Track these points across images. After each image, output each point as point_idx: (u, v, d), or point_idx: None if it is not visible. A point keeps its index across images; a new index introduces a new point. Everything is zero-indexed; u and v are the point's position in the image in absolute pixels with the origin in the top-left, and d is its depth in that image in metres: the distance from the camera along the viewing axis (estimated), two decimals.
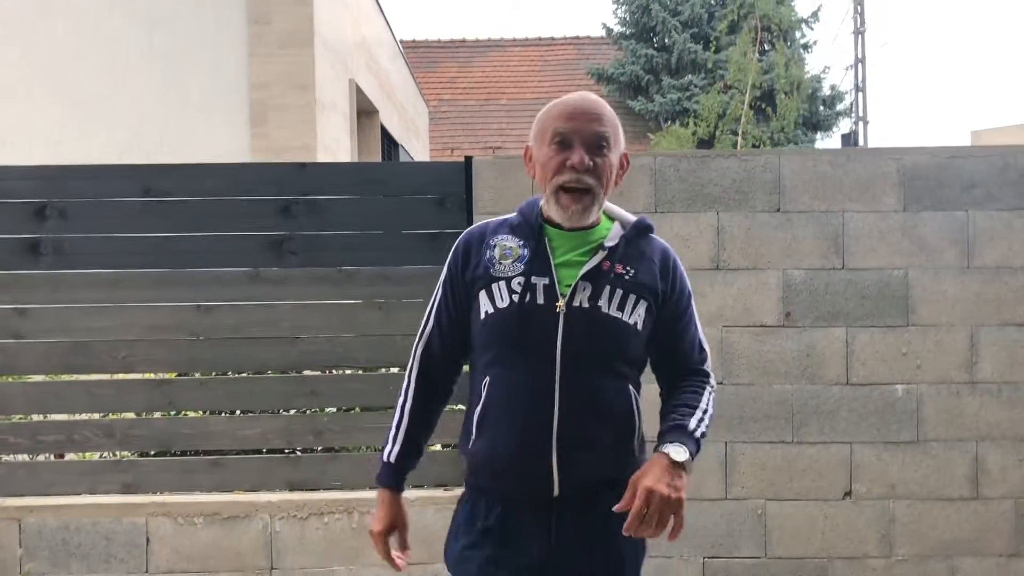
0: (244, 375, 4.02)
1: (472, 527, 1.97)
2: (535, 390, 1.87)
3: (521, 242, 1.92)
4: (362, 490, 3.85)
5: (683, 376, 2.00)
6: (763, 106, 14.68)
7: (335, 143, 8.34)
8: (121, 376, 3.96)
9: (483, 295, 1.91)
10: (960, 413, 3.74)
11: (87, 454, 4.05)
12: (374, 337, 3.90)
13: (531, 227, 1.93)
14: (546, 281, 1.87)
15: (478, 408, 1.95)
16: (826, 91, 19.45)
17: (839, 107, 19.52)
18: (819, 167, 3.78)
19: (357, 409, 4.14)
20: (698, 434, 1.88)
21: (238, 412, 4.02)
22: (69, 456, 4.02)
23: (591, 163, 1.83)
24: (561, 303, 1.86)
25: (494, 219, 2.04)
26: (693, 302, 2.02)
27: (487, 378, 1.93)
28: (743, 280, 3.77)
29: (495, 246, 1.94)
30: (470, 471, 2.04)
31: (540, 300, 1.86)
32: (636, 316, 1.90)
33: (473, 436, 1.96)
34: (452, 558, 2.03)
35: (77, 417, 3.97)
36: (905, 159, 3.78)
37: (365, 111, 10.28)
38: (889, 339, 3.75)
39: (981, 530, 3.74)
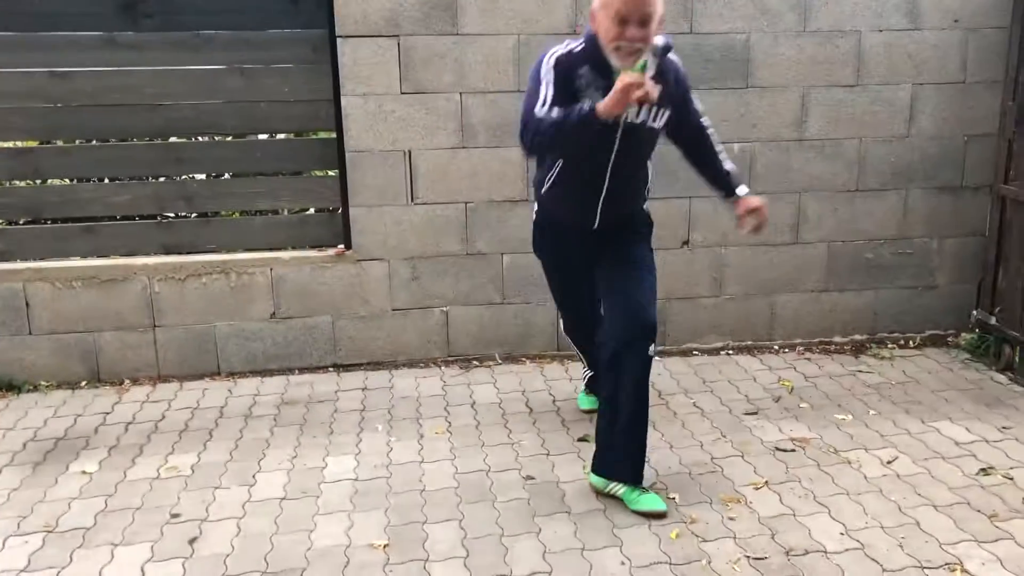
0: (109, 142, 4.01)
1: (543, 234, 3.12)
2: (591, 183, 2.80)
3: (596, 76, 2.62)
4: (237, 252, 4.04)
5: (701, 133, 2.95)
6: None
7: None
8: None
9: None
10: (788, 168, 4.14)
11: None
12: (239, 104, 3.93)
13: (603, 67, 2.62)
14: None
15: (552, 175, 2.87)
16: None
17: None
18: None
19: (227, 175, 4.23)
20: (734, 171, 2.97)
21: (106, 180, 4.05)
22: None
23: (641, 35, 2.53)
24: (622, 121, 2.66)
25: (574, 46, 2.69)
26: (691, 92, 2.93)
27: (560, 163, 2.83)
28: None
29: (582, 77, 2.63)
30: (540, 205, 3.05)
31: (608, 120, 2.53)
32: (662, 121, 2.76)
33: (544, 189, 2.95)
34: (535, 246, 3.19)
35: None
36: None
37: None
38: (730, 101, 4.04)
39: (798, 270, 4.26)
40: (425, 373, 4.07)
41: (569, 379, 3.95)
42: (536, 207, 3.08)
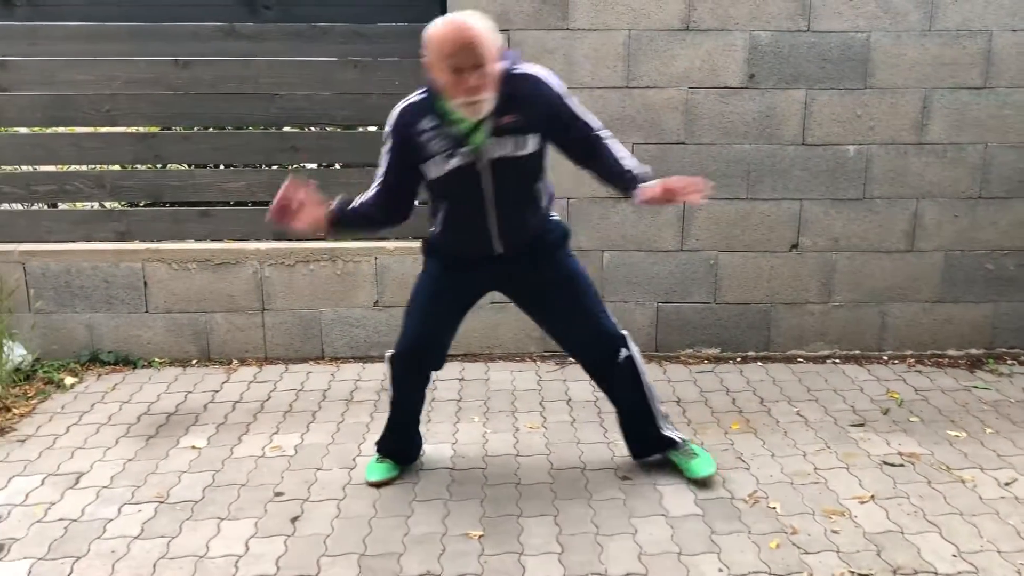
0: (226, 130, 4.14)
1: (437, 257, 2.86)
2: (475, 224, 2.66)
3: (440, 125, 2.54)
4: (345, 241, 4.12)
5: (590, 144, 2.69)
6: None
7: None
8: (106, 129, 4.08)
9: (424, 166, 2.59)
10: (905, 172, 3.98)
11: (80, 204, 4.25)
12: (350, 96, 4.01)
13: (445, 116, 2.53)
14: (466, 149, 2.53)
15: (439, 217, 2.72)
16: None
17: None
18: None
19: (337, 165, 4.32)
20: (639, 172, 2.68)
21: (222, 166, 4.19)
22: (62, 206, 4.21)
23: (480, 83, 2.42)
24: (480, 161, 2.55)
25: (414, 101, 2.60)
26: (568, 98, 2.64)
27: (443, 208, 2.71)
28: (711, 42, 3.85)
29: (422, 132, 2.55)
30: (433, 242, 2.84)
31: (465, 163, 2.55)
32: (530, 147, 2.57)
33: (437, 231, 2.76)
34: (429, 250, 2.88)
35: (67, 168, 4.13)
36: None
37: None
38: (846, 101, 3.90)
39: (912, 279, 4.09)
40: (520, 367, 4.08)
41: (667, 380, 3.89)
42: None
